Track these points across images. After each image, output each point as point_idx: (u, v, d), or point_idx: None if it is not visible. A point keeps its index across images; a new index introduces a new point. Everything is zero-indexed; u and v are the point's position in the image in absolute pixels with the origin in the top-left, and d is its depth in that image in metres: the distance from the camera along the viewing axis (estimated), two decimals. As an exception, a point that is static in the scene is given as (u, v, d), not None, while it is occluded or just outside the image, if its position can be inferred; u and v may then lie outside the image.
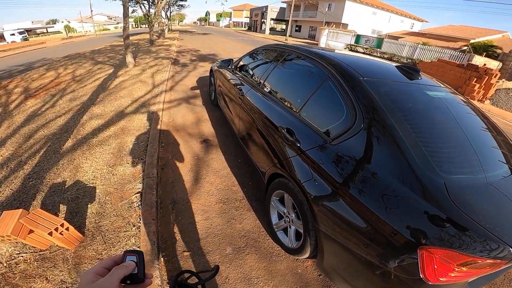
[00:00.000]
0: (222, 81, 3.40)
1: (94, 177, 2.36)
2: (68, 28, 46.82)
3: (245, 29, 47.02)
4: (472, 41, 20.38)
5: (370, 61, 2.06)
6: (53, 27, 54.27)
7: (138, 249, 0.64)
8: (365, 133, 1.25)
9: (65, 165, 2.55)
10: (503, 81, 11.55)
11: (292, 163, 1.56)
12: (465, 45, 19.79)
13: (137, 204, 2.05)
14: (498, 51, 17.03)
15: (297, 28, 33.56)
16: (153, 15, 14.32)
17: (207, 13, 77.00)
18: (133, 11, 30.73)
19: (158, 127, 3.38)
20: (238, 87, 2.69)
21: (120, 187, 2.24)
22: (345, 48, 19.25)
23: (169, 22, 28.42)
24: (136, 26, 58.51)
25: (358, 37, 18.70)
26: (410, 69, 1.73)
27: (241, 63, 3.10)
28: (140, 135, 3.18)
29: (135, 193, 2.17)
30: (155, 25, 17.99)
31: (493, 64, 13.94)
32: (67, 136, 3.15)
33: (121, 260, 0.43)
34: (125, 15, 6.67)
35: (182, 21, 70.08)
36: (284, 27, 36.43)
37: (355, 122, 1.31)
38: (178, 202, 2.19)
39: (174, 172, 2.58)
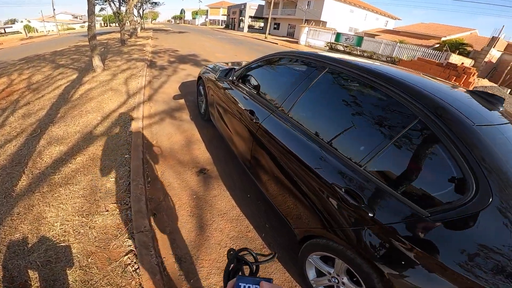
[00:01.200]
0: (220, 97, 2.75)
1: (65, 231, 1.75)
2: (28, 28, 42.58)
3: (222, 27, 45.99)
4: (443, 38, 21.35)
5: (448, 88, 1.53)
6: (11, 27, 49.16)
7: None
8: (495, 210, 0.80)
9: (23, 214, 1.89)
10: (478, 79, 12.05)
11: (358, 235, 1.09)
12: (437, 43, 20.67)
13: (133, 268, 1.52)
14: (469, 48, 17.94)
15: (275, 26, 33.27)
16: (124, 13, 13.12)
17: (182, 11, 74.51)
18: (102, 9, 28.69)
19: (140, 155, 2.69)
20: (248, 109, 2.08)
21: (104, 245, 1.67)
22: (325, 47, 19.27)
23: (142, 20, 26.75)
24: (105, 24, 54.97)
25: (338, 35, 18.75)
26: (490, 98, 1.29)
27: (249, 75, 2.45)
28: (118, 168, 2.48)
29: (127, 253, 1.62)
30: (126, 23, 16.69)
31: (467, 62, 14.56)
32: (21, 170, 2.41)
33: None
34: (90, 12, 5.76)
35: (155, 19, 67.22)
36: (262, 24, 35.98)
37: (476, 192, 0.86)
38: (184, 260, 1.65)
39: (171, 219, 1.98)
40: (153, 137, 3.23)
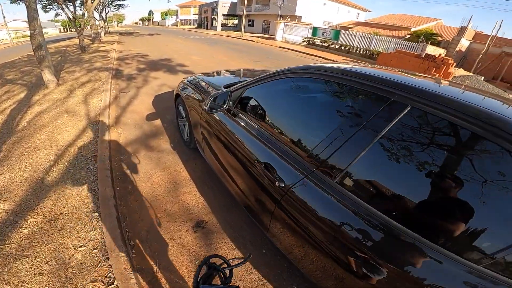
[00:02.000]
0: (213, 129, 2.03)
1: None
2: (-25, 37, 38.10)
3: (195, 26, 44.42)
4: (413, 29, 21.94)
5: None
6: (-44, 38, 43.76)
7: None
8: None
9: None
10: (455, 69, 12.32)
11: None
12: (408, 34, 21.18)
13: None
14: (439, 38, 18.50)
15: (250, 23, 32.53)
16: (82, 17, 11.72)
17: (150, 12, 71.22)
18: (57, 14, 26.09)
19: (113, 211, 1.95)
20: (262, 162, 1.39)
21: None
22: (303, 42, 18.95)
23: (106, 24, 24.76)
24: (65, 30, 50.84)
25: (315, 30, 18.49)
26: None
27: (255, 100, 1.72)
28: (86, 232, 1.77)
29: None
30: (88, 28, 15.10)
31: (440, 52, 14.92)
32: None
33: None
34: (31, 18, 4.72)
35: (121, 22, 63.60)
36: (236, 22, 35.09)
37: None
38: None
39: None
40: (128, 180, 2.45)
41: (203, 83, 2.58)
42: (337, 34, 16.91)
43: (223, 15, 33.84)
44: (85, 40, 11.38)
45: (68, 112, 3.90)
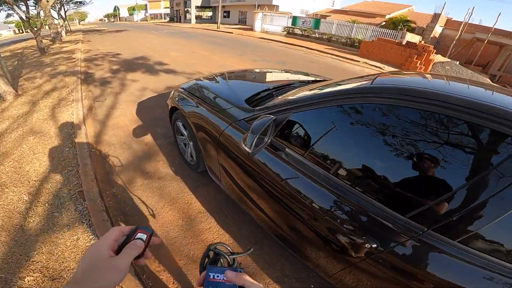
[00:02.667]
0: (252, 172, 1.52)
1: None
2: None
3: (166, 20, 42.14)
4: (387, 16, 22.20)
5: None
6: None
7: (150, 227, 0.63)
8: None
9: None
10: (434, 55, 12.54)
11: None
12: (384, 21, 21.41)
13: None
14: (413, 25, 18.84)
15: (225, 14, 31.27)
16: (37, 16, 10.29)
17: (116, 8, 66.52)
18: (9, 15, 23.20)
19: None
20: (342, 219, 1.04)
21: None
22: (283, 32, 18.46)
23: (66, 22, 22.51)
24: (20, 31, 46.03)
25: (294, 19, 18.04)
26: None
27: (317, 136, 1.25)
28: None
29: None
30: (46, 28, 13.46)
31: (416, 39, 15.15)
32: None
33: (131, 235, 0.45)
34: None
35: (84, 20, 59.03)
36: (210, 14, 33.63)
37: None
38: None
39: None
40: (131, 221, 1.92)
41: (211, 94, 2.06)
42: (317, 23, 16.59)
43: (197, 7, 32.21)
44: (44, 41, 10.05)
45: (34, 132, 3.16)
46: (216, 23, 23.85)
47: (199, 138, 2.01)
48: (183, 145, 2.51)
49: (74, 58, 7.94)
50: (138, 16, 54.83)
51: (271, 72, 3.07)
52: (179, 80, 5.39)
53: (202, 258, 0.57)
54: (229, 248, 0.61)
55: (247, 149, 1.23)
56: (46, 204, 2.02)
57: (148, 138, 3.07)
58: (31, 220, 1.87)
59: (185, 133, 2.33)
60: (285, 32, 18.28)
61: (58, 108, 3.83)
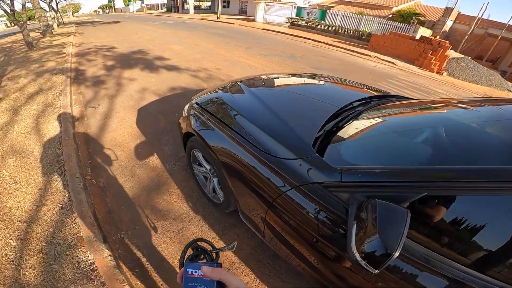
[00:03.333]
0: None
1: None
2: None
3: (163, 11, 40.72)
4: (394, 8, 21.21)
5: None
6: None
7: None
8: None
9: None
10: (449, 51, 11.87)
11: None
12: (391, 14, 20.46)
13: None
14: (422, 18, 17.99)
15: (225, 4, 30.07)
16: (23, 9, 9.39)
17: (111, -1, 64.32)
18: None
19: None
20: None
21: None
22: (287, 23, 17.59)
23: (59, 14, 21.38)
24: (12, 24, 44.29)
25: (299, 10, 17.14)
26: None
27: None
28: None
29: None
30: (37, 20, 12.55)
31: (427, 33, 14.38)
32: None
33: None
34: None
35: (77, 11, 57.12)
36: (209, 4, 32.39)
37: None
38: None
39: None
40: (151, 279, 1.41)
41: (247, 124, 1.46)
42: (323, 14, 15.73)
43: (195, -4, 30.97)
44: (34, 34, 9.24)
45: (15, 151, 2.52)
46: (215, 13, 22.84)
47: (232, 183, 1.42)
48: (202, 178, 1.92)
49: (65, 53, 7.19)
50: (134, 7, 53.06)
51: (313, 81, 2.40)
52: (183, 79, 4.72)
53: (181, 254, 0.54)
54: (211, 244, 0.57)
55: (369, 269, 0.64)
56: (41, 254, 1.52)
57: (155, 160, 2.45)
58: (27, 273, 1.38)
59: (206, 166, 1.73)
60: (289, 23, 17.39)
61: (43, 117, 3.17)
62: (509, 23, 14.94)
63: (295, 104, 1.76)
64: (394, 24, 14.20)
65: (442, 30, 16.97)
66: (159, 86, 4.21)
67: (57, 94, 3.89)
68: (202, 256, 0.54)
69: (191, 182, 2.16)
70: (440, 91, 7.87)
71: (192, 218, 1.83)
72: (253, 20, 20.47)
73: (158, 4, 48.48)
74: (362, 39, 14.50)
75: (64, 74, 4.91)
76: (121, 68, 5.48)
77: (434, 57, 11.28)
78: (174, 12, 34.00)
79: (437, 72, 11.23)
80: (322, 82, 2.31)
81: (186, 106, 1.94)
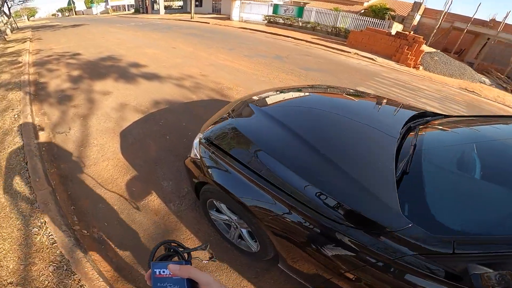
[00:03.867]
0: None
1: None
2: None
3: (131, 12, 38.55)
4: (365, 4, 21.78)
5: None
6: None
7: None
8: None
9: None
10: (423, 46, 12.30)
11: None
12: (363, 9, 20.95)
13: None
14: (392, 13, 18.62)
15: (197, 3, 29.02)
16: None
17: (71, 2, 59.65)
18: None
19: None
20: None
21: None
22: (264, 21, 17.28)
23: (12, 19, 19.20)
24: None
25: (276, 7, 16.91)
26: None
27: None
28: None
29: None
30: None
31: (399, 28, 14.87)
32: None
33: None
34: None
35: (33, 15, 52.42)
36: (181, 4, 31.12)
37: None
38: None
39: None
40: None
41: (309, 188, 1.11)
42: (300, 11, 15.66)
43: (164, -4, 29.53)
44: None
45: None
46: (188, 13, 21.92)
47: (279, 243, 1.06)
48: (224, 226, 1.52)
49: (21, 62, 6.21)
50: (98, 9, 49.68)
51: (336, 96, 2.08)
52: (167, 90, 4.18)
53: (150, 255, 0.50)
54: (182, 245, 0.53)
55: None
56: None
57: (155, 200, 1.97)
58: None
59: (232, 216, 1.34)
60: (266, 21, 17.11)
61: (1, 151, 2.50)
62: (474, 17, 15.88)
63: (344, 136, 1.43)
64: (369, 19, 14.47)
65: (412, 24, 17.71)
66: (140, 101, 3.64)
67: (16, 116, 3.18)
68: (175, 257, 0.51)
69: (205, 224, 1.75)
70: (423, 87, 8.02)
71: (216, 267, 1.43)
72: (228, 18, 19.90)
73: (124, 5, 45.90)
74: (339, 35, 14.63)
75: (22, 89, 4.12)
76: (91, 79, 4.76)
77: (410, 52, 11.61)
78: (143, 13, 32.23)
79: (414, 67, 11.58)
80: (348, 97, 2.00)
81: (195, 142, 1.52)
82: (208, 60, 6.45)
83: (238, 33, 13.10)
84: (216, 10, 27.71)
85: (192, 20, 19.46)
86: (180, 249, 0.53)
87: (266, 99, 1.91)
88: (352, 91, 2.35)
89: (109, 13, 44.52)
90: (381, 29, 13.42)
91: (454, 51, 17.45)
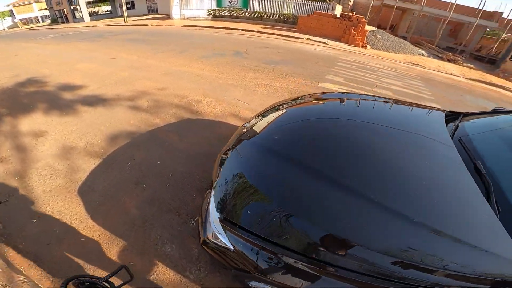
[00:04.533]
0: None
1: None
2: None
3: (47, 23, 33.35)
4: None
5: None
6: None
7: None
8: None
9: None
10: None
11: None
12: None
13: None
14: None
15: (129, 6, 26.18)
16: None
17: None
18: None
19: None
20: None
21: None
22: (208, 15, 16.34)
23: None
24: None
25: (219, 0, 16.02)
26: None
27: None
28: None
29: None
30: None
31: (340, 9, 15.47)
32: None
33: None
34: None
35: None
36: (109, 8, 27.77)
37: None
38: None
39: None
40: None
41: None
42: (245, 1, 15.14)
43: (88, 2, 25.88)
44: None
45: None
46: (119, 17, 19.61)
47: None
48: None
49: None
50: (4, 24, 41.87)
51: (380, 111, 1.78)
52: (121, 117, 3.32)
53: None
54: (92, 275, 0.49)
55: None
56: None
57: (165, 273, 1.45)
58: None
59: None
60: (211, 16, 16.19)
61: None
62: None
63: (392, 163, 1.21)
64: (312, 3, 14.69)
65: (349, 4, 18.65)
66: (89, 139, 2.76)
67: None
68: None
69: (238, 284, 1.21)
70: (379, 66, 8.33)
71: None
72: (168, 17, 18.35)
73: (37, 17, 39.70)
74: (287, 22, 14.62)
75: None
76: (12, 115, 3.56)
77: (356, 33, 12.10)
78: (63, 22, 27.92)
79: (362, 46, 12.12)
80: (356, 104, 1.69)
81: (211, 226, 0.99)
82: (160, 68, 5.56)
83: (184, 32, 12.03)
84: (152, 10, 25.43)
85: (126, 24, 17.41)
86: (94, 280, 0.47)
87: (275, 129, 1.45)
88: (353, 95, 2.04)
89: (19, 27, 37.83)
90: (327, 12, 13.73)
91: (388, 27, 18.97)
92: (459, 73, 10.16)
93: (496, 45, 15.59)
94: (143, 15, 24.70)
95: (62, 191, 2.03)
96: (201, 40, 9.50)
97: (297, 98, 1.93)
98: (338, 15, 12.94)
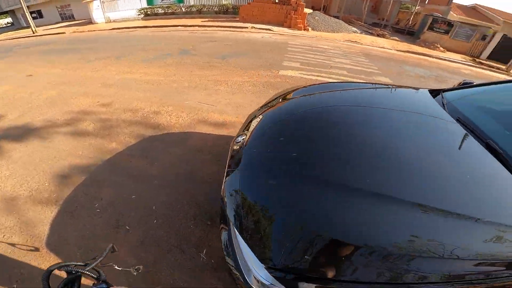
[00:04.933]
0: None
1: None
2: None
3: None
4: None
5: None
6: None
7: None
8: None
9: None
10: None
11: None
12: None
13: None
14: None
15: (35, 15, 22.11)
16: None
17: None
18: None
19: None
20: None
21: None
22: (139, 15, 14.83)
23: None
24: None
25: (148, -3, 14.61)
26: None
27: None
28: None
29: None
30: None
31: None
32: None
33: None
34: None
35: None
36: (9, 20, 23.12)
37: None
38: None
39: None
40: None
41: None
42: (179, -5, 14.10)
43: (-26, 10, 20.96)
44: None
45: None
46: (25, 27, 16.45)
47: None
48: None
49: None
50: None
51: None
52: (62, 148, 2.64)
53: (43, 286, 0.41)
54: (76, 263, 0.44)
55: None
56: None
57: None
58: None
59: None
60: (143, 15, 14.72)
61: None
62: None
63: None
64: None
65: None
66: (32, 184, 2.06)
67: None
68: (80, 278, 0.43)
69: None
70: (326, 47, 8.65)
71: None
72: (90, 22, 16.06)
73: None
74: (228, 12, 14.22)
75: None
76: None
77: (297, 17, 12.38)
78: None
79: (304, 29, 12.49)
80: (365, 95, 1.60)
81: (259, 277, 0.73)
82: (98, 79, 4.72)
83: (115, 35, 10.64)
84: (67, 17, 21.98)
85: (36, 34, 14.66)
86: (81, 266, 0.42)
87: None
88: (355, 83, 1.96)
89: None
90: (266, -1, 13.66)
91: (322, 8, 20.00)
92: (390, 46, 11.25)
93: (411, 18, 17.77)
94: (56, 23, 21.19)
95: (28, 249, 1.48)
96: (139, 41, 8.50)
97: (285, 97, 1.74)
98: (277, 1, 13.02)
